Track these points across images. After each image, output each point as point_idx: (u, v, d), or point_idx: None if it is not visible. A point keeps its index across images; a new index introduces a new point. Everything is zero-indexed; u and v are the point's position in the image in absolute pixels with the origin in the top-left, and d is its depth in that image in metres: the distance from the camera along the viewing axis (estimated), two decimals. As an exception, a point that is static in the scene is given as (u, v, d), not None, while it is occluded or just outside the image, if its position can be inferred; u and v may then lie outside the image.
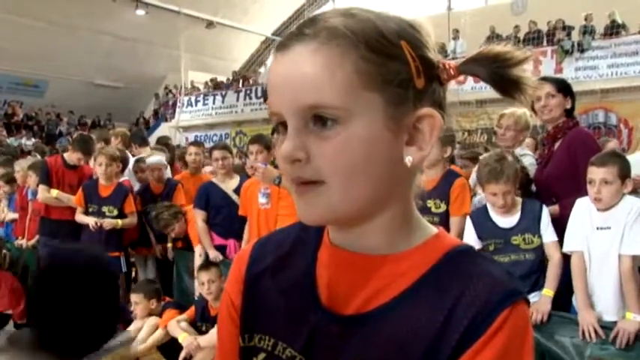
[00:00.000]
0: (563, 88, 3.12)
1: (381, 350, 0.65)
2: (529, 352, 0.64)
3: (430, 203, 3.29)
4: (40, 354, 0.84)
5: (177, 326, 3.81)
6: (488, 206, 2.99)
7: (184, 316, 3.92)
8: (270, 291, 0.75)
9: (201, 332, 3.78)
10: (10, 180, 6.15)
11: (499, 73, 0.69)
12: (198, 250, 4.36)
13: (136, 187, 5.12)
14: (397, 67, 0.63)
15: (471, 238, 2.99)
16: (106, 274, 0.90)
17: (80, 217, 4.64)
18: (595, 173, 2.62)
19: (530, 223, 2.87)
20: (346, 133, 0.62)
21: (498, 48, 0.69)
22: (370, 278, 0.68)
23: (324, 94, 0.61)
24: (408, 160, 0.65)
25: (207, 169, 5.58)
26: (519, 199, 2.96)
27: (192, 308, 3.94)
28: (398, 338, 0.64)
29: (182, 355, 3.64)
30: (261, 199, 3.89)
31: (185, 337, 3.69)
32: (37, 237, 5.22)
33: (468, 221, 3.07)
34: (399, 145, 0.65)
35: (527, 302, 0.66)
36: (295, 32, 0.65)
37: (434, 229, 0.72)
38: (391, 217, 0.68)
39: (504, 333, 0.61)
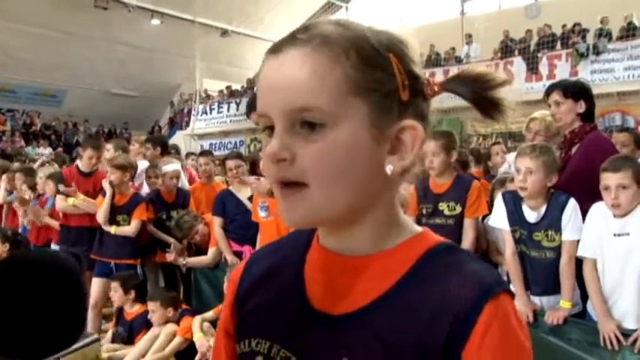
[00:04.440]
0: (572, 92, 3.04)
1: (372, 348, 0.66)
2: (524, 338, 0.66)
3: (442, 206, 3.35)
4: None
5: (198, 325, 3.87)
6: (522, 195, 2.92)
7: (211, 313, 3.98)
8: (264, 296, 0.77)
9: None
10: (32, 187, 6.20)
11: (479, 94, 0.72)
12: (211, 251, 4.46)
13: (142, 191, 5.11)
14: (384, 78, 0.66)
15: (501, 218, 2.92)
16: (63, 272, 0.85)
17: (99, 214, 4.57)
18: (610, 179, 2.53)
19: (554, 218, 2.77)
20: (332, 136, 0.64)
21: (479, 69, 0.72)
22: (356, 278, 0.70)
23: (314, 97, 0.63)
24: (389, 168, 0.67)
25: (218, 178, 5.61)
26: (551, 191, 2.86)
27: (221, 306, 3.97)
28: (387, 336, 0.66)
29: (196, 358, 3.67)
30: (261, 213, 3.99)
31: (198, 338, 3.73)
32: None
33: (499, 199, 2.99)
34: (381, 154, 0.67)
35: (510, 293, 0.68)
36: (288, 37, 0.67)
37: (418, 229, 0.74)
38: (375, 221, 0.70)
39: (494, 332, 0.63)
